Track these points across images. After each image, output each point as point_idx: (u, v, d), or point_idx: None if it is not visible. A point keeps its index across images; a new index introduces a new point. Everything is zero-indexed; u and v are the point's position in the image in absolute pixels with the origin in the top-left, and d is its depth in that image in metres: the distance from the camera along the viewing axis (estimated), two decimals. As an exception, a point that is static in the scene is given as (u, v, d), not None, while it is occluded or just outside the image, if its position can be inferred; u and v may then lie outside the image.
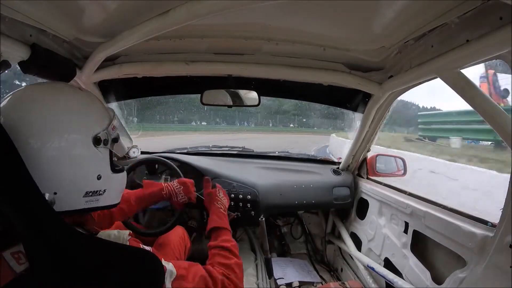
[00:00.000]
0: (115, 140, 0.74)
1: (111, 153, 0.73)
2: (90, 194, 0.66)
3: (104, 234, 0.71)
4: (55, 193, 0.59)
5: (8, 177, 0.50)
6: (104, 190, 0.70)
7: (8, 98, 0.63)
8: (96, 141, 0.66)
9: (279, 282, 1.67)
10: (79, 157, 0.64)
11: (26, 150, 0.56)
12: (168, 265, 0.67)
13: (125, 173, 0.81)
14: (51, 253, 0.52)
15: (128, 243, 0.67)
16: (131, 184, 1.54)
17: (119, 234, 0.69)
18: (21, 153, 0.53)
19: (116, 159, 1.89)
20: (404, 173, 1.85)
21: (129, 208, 1.12)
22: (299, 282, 1.70)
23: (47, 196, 0.57)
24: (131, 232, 0.73)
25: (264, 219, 1.49)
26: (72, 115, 0.65)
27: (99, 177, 0.68)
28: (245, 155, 2.10)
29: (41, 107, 0.61)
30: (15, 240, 0.54)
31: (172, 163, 1.50)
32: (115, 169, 0.74)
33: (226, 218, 1.07)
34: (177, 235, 1.33)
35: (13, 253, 0.53)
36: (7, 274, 0.52)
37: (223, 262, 0.85)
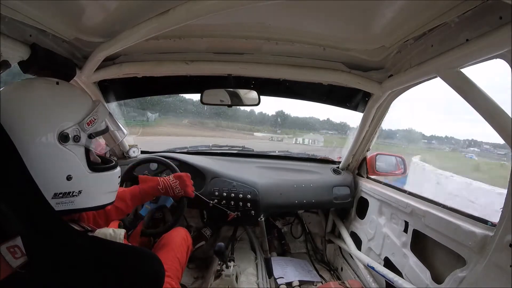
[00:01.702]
0: (92, 136, 0.68)
1: (87, 150, 0.68)
2: (60, 195, 0.62)
3: (100, 233, 0.71)
4: None
5: (6, 175, 0.50)
6: (80, 192, 0.65)
7: None
8: (63, 138, 0.62)
9: (279, 281, 1.67)
10: (41, 156, 0.59)
11: None
12: None
13: (114, 172, 0.75)
14: (50, 251, 0.52)
15: (123, 242, 0.67)
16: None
17: (115, 234, 0.69)
18: None
19: (116, 158, 1.91)
20: (404, 172, 1.85)
21: (125, 207, 1.11)
22: (299, 281, 1.70)
23: None
24: (125, 232, 0.73)
25: (263, 219, 1.50)
26: (33, 111, 0.60)
27: (69, 178, 0.63)
28: (245, 154, 2.10)
29: (5, 105, 0.59)
30: (10, 234, 0.54)
31: (172, 163, 1.50)
32: (94, 168, 0.68)
33: None
34: (180, 236, 1.33)
35: (9, 247, 0.53)
36: (3, 268, 0.52)
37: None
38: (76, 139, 0.64)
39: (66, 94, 0.69)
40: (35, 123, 0.60)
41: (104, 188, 0.73)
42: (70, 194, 0.63)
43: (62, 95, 0.68)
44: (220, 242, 1.44)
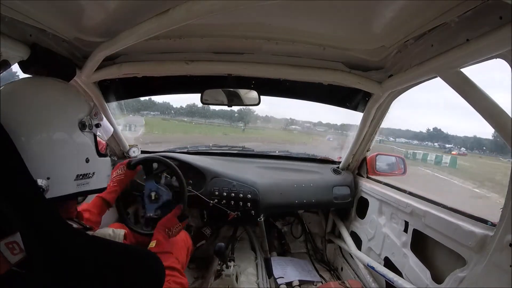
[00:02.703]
0: (98, 125, 0.77)
1: (95, 137, 0.77)
2: (81, 177, 0.70)
3: (99, 233, 0.71)
4: (48, 178, 0.62)
5: (5, 173, 0.50)
6: (93, 173, 0.73)
7: None
8: (82, 125, 0.71)
9: (279, 281, 1.67)
10: (68, 142, 0.67)
11: (16, 141, 0.56)
12: None
13: (109, 158, 0.84)
14: (50, 252, 0.52)
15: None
16: (131, 184, 1.54)
17: (115, 234, 0.70)
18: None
19: (116, 158, 1.91)
20: (404, 172, 1.85)
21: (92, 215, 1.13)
22: (299, 281, 1.70)
23: (41, 182, 0.60)
24: (125, 232, 0.73)
25: (263, 219, 1.50)
26: (57, 103, 0.69)
27: (87, 160, 0.71)
28: (245, 154, 2.10)
29: (25, 101, 0.64)
30: (9, 230, 0.55)
31: (171, 163, 1.50)
32: (100, 153, 0.78)
33: (169, 243, 1.11)
34: (180, 237, 1.33)
35: (8, 243, 0.54)
36: (2, 265, 0.52)
37: (178, 281, 0.95)
38: (90, 127, 0.73)
39: (73, 90, 0.78)
40: (61, 115, 0.68)
41: (106, 171, 0.81)
42: (87, 175, 0.71)
43: (72, 91, 0.77)
44: (220, 242, 1.44)
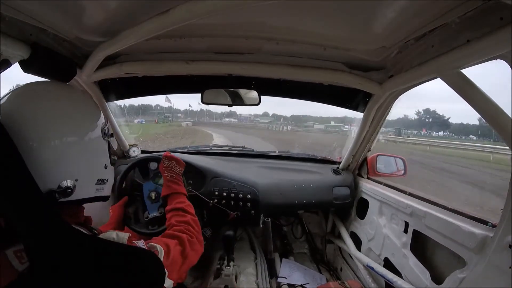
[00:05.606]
0: (112, 135, 0.79)
1: (109, 145, 0.78)
2: (100, 182, 0.72)
3: (104, 236, 0.71)
4: (76, 180, 0.64)
5: (8, 177, 0.50)
6: (107, 180, 0.75)
7: (10, 95, 0.63)
8: (104, 133, 0.73)
9: (281, 280, 1.66)
10: (94, 147, 0.70)
11: (47, 144, 0.60)
12: (157, 247, 0.74)
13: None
14: (51, 253, 0.52)
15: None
16: (132, 183, 1.54)
17: (118, 237, 0.70)
18: (41, 148, 0.57)
19: (116, 158, 1.91)
20: (405, 173, 1.85)
21: None
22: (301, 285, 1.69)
23: (69, 182, 0.62)
24: (130, 236, 0.73)
25: (270, 220, 1.49)
26: (84, 109, 0.71)
27: (105, 166, 0.74)
28: (245, 154, 2.10)
29: (55, 105, 0.65)
30: (18, 238, 0.53)
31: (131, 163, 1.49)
32: (111, 161, 0.79)
33: (176, 184, 1.13)
34: None
35: (16, 251, 0.52)
36: (9, 272, 0.51)
37: (180, 220, 0.97)
38: (108, 136, 0.76)
39: (91, 98, 0.79)
40: (89, 119, 0.71)
41: (112, 180, 0.81)
42: (104, 181, 0.73)
43: (91, 99, 0.78)
44: (219, 242, 1.44)
